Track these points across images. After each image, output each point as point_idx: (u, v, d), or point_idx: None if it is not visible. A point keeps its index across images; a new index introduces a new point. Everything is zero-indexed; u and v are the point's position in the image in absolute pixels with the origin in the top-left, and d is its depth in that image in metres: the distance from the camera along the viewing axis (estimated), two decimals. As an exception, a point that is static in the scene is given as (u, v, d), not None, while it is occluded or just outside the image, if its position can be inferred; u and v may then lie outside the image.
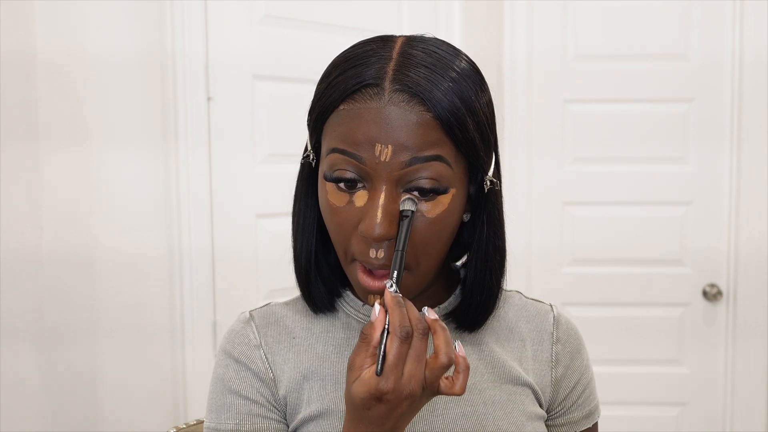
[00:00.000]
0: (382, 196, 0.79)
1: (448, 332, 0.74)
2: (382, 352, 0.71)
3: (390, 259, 0.80)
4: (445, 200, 0.80)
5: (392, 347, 0.71)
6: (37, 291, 1.72)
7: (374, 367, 0.72)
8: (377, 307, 0.74)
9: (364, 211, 0.80)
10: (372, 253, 0.80)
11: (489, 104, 0.84)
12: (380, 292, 0.81)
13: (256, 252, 2.05)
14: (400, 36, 0.84)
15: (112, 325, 1.83)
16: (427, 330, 0.73)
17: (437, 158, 0.79)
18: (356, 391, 0.72)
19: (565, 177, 2.54)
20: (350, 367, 0.73)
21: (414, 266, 0.82)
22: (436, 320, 0.74)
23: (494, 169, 0.87)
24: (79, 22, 1.75)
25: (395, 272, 0.76)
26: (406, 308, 0.74)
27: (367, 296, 0.83)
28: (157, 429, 1.84)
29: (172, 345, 1.93)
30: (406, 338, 0.72)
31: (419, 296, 0.88)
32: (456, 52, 0.84)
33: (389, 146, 0.78)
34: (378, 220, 0.78)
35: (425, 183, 0.79)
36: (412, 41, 0.83)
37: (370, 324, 0.73)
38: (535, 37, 2.51)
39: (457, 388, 0.74)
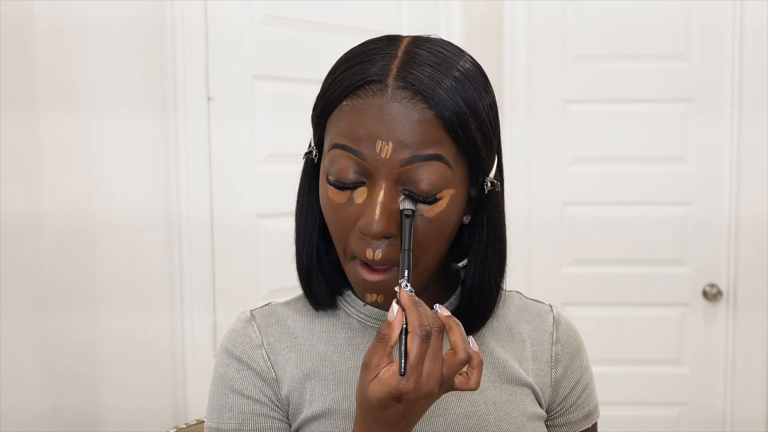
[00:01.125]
0: (382, 193, 0.79)
1: (462, 328, 0.75)
2: (404, 352, 0.71)
3: (388, 259, 0.80)
4: (444, 200, 0.80)
5: (413, 347, 0.71)
6: (36, 291, 1.72)
7: (392, 366, 0.71)
8: (395, 306, 0.73)
9: (363, 208, 0.80)
10: (369, 254, 0.80)
11: (492, 106, 0.84)
12: (378, 288, 0.81)
13: (256, 252, 2.05)
14: (406, 36, 0.85)
15: (112, 324, 1.83)
16: (443, 328, 0.73)
17: (437, 158, 0.79)
18: (374, 391, 0.71)
19: (565, 177, 2.54)
20: (366, 367, 0.73)
21: (412, 266, 0.82)
22: (449, 317, 0.75)
23: (496, 171, 0.86)
24: (77, 28, 1.75)
25: (406, 271, 0.76)
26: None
27: (365, 294, 0.83)
28: (157, 429, 1.84)
29: (173, 345, 1.93)
30: (426, 337, 0.71)
31: (418, 297, 0.88)
32: (461, 53, 0.84)
33: (390, 143, 0.78)
34: (376, 217, 0.78)
35: (424, 186, 0.79)
36: (417, 41, 0.83)
37: (388, 324, 0.73)
38: (535, 37, 2.51)
39: (473, 383, 0.74)
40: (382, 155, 0.78)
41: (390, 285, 0.81)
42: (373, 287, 0.82)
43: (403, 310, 0.73)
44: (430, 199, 0.80)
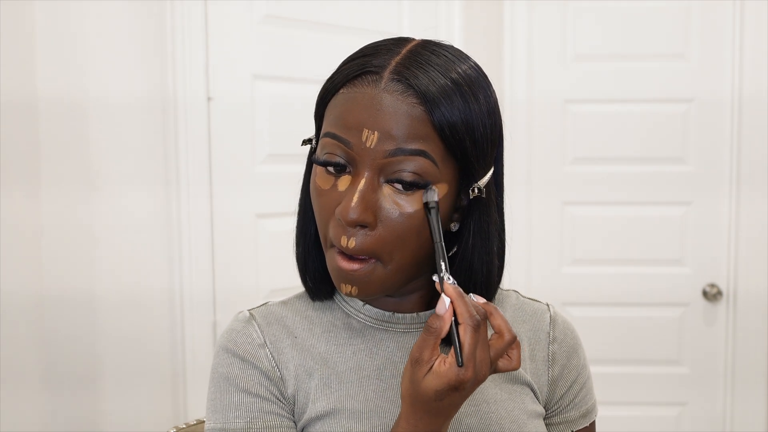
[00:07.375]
0: (363, 182, 0.79)
1: (500, 311, 0.77)
2: (459, 343, 0.73)
3: (362, 249, 0.80)
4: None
5: (466, 337, 0.73)
6: (36, 292, 1.72)
7: (446, 358, 0.74)
8: (446, 300, 0.75)
9: (344, 195, 0.81)
10: (344, 241, 0.80)
11: (490, 114, 0.84)
12: (352, 279, 0.82)
13: (256, 252, 2.05)
14: (417, 39, 0.86)
15: (111, 325, 1.83)
16: (486, 315, 0.76)
17: (421, 153, 0.79)
18: (431, 384, 0.73)
19: (565, 177, 2.54)
20: (418, 362, 0.74)
21: (387, 261, 0.81)
22: (487, 303, 0.78)
23: (492, 181, 0.86)
24: (78, 27, 1.75)
25: (443, 263, 0.77)
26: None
27: (340, 284, 0.83)
28: (157, 429, 1.84)
29: (172, 345, 1.93)
30: (478, 327, 0.74)
31: (410, 296, 0.90)
32: (465, 59, 0.85)
33: (375, 133, 0.79)
34: (353, 204, 0.79)
35: (407, 176, 0.79)
36: (426, 43, 0.85)
37: (438, 317, 0.75)
38: (535, 37, 2.51)
39: (515, 362, 0.78)
40: (367, 144, 0.79)
41: (364, 277, 0.81)
42: (347, 276, 0.82)
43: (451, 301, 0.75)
44: (414, 192, 0.79)
